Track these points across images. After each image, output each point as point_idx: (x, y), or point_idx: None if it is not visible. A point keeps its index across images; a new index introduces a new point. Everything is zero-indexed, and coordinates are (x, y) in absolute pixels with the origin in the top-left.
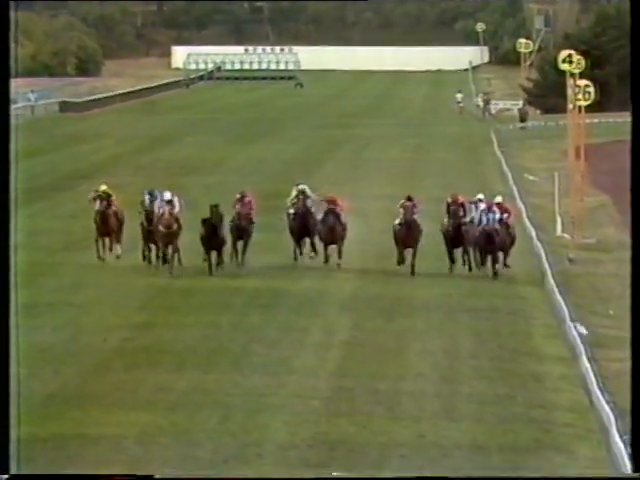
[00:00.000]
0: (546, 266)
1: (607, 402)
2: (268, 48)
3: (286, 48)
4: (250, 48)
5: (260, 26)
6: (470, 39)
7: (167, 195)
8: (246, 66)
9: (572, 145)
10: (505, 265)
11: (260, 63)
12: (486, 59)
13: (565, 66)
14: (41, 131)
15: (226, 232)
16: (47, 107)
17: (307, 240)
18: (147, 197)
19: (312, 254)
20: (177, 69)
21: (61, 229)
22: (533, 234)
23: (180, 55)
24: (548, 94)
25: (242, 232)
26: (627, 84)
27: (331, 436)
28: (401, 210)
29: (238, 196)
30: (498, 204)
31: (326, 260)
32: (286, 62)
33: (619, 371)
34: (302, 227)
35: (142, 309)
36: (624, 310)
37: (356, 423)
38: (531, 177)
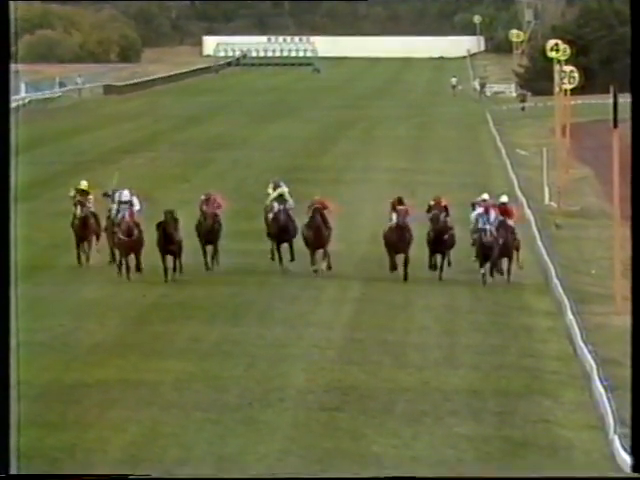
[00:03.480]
0: (535, 231)
1: (589, 352)
2: (288, 38)
3: (304, 38)
4: (272, 38)
5: (281, 19)
6: (468, 30)
7: (126, 195)
8: (269, 54)
9: (559, 124)
10: (508, 274)
11: (281, 51)
12: (482, 48)
13: (552, 54)
14: (87, 111)
15: (193, 235)
16: (93, 90)
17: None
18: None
19: (289, 262)
20: (208, 56)
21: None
22: (524, 202)
23: (210, 44)
24: (537, 78)
25: (209, 235)
26: (608, 70)
27: (344, 382)
28: (393, 213)
29: (203, 197)
30: (501, 205)
31: (313, 263)
32: (304, 50)
33: (600, 324)
34: (282, 232)
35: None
36: (605, 270)
37: (367, 371)
38: (522, 152)
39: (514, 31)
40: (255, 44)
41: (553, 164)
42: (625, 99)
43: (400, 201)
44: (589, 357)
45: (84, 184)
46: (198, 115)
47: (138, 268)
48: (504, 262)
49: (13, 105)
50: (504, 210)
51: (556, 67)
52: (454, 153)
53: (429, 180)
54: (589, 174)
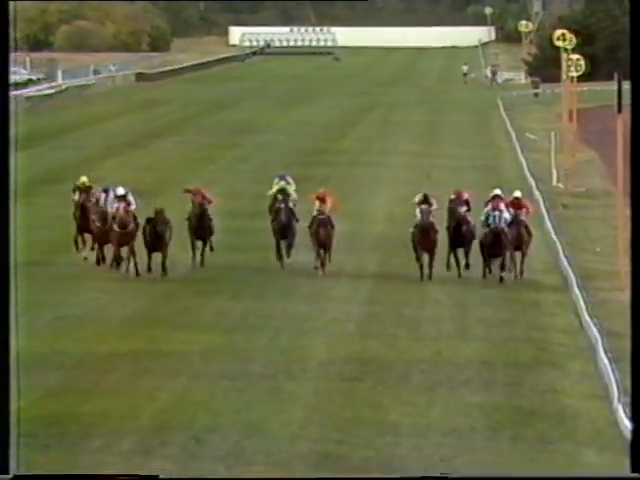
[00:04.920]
0: (543, 210)
1: (595, 325)
2: (310, 28)
3: (325, 28)
4: (295, 28)
5: (303, 10)
6: (480, 21)
7: (120, 190)
8: (291, 43)
9: (566, 109)
10: (521, 273)
11: (303, 41)
12: (493, 37)
13: (560, 43)
14: (120, 97)
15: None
16: (125, 77)
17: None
18: (102, 195)
19: (288, 259)
20: (234, 46)
21: (137, 179)
22: (533, 184)
23: (236, 34)
24: (546, 66)
25: (199, 231)
26: (612, 58)
27: (363, 354)
28: (417, 212)
29: (192, 189)
30: (515, 200)
31: (321, 265)
32: (325, 40)
33: (605, 299)
34: (284, 230)
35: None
36: (609, 247)
37: (384, 343)
38: (531, 136)
39: (523, 22)
40: (278, 34)
41: (560, 147)
42: (629, 85)
43: (425, 198)
44: (594, 330)
45: (83, 180)
46: (224, 101)
47: (135, 263)
48: (516, 256)
49: (51, 91)
50: (517, 205)
51: (563, 55)
52: (466, 137)
53: (442, 163)
54: (594, 157)
